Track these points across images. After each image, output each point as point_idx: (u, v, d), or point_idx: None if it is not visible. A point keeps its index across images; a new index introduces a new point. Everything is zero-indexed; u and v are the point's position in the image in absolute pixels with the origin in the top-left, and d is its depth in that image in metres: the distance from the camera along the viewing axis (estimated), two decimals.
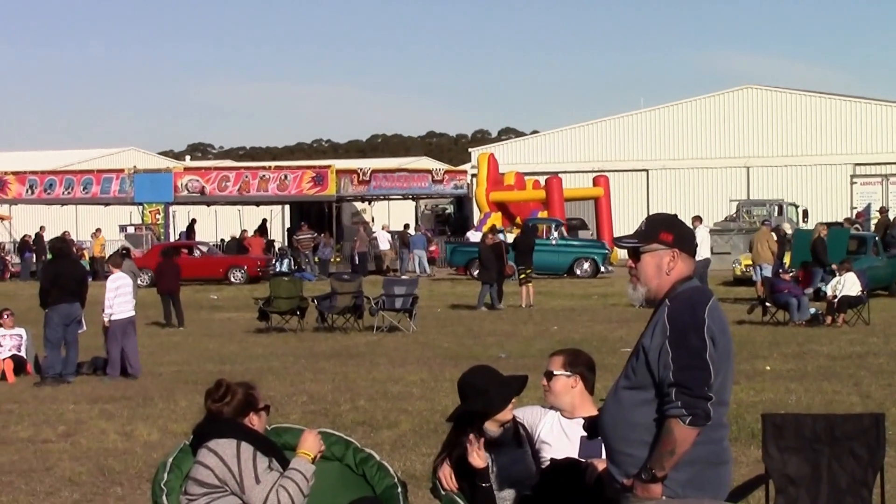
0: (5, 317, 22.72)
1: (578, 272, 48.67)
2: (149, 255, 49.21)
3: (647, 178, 67.32)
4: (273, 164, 68.21)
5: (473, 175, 62.11)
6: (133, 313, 22.30)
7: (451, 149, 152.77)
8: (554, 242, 49.30)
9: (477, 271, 40.84)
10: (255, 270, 49.15)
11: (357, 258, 54.39)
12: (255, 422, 7.38)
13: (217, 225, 70.26)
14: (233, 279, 49.75)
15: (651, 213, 6.69)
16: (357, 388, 19.60)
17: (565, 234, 50.77)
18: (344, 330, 29.77)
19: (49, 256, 48.73)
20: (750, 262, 38.70)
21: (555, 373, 7.49)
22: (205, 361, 23.98)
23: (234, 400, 7.35)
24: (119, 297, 21.98)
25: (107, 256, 54.33)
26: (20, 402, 18.73)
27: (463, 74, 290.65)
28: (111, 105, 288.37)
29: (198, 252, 52.08)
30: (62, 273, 21.23)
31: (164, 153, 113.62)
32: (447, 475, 7.29)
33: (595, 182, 59.37)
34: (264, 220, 63.95)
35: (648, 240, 6.13)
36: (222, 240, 62.19)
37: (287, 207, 65.02)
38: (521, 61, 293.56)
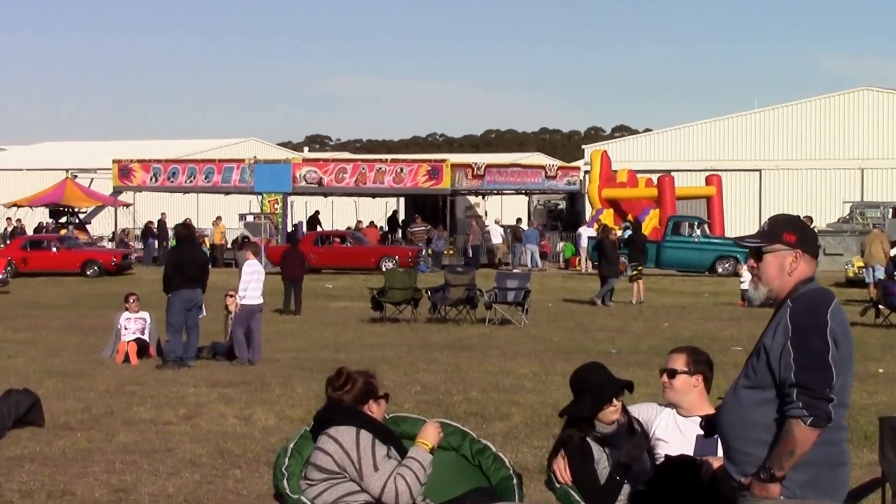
0: (131, 301, 23.06)
1: (720, 270, 48.24)
2: (303, 241, 50.23)
3: (759, 178, 66.60)
4: (389, 157, 68.40)
5: (586, 172, 61.85)
6: (261, 301, 22.53)
7: (565, 145, 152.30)
8: (696, 240, 49.04)
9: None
10: (407, 261, 49.40)
11: (470, 251, 54.41)
12: (375, 410, 7.39)
13: (333, 216, 70.63)
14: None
15: (774, 214, 6.61)
16: (469, 379, 19.61)
17: (708, 232, 50.47)
18: (456, 322, 29.79)
19: (172, 243, 49.54)
20: (862, 264, 38.16)
21: (677, 371, 7.42)
22: (320, 349, 24.14)
23: (354, 388, 7.38)
24: (252, 283, 22.24)
25: (228, 244, 55.16)
26: (143, 385, 18.98)
27: (577, 72, 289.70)
28: (233, 96, 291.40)
29: (349, 241, 52.47)
30: (185, 259, 21.51)
31: (283, 144, 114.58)
32: (562, 468, 7.26)
33: (708, 181, 58.89)
34: (395, 212, 64.24)
35: (771, 240, 6.06)
36: (338, 229, 62.55)
37: (402, 200, 65.20)
38: (635, 59, 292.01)
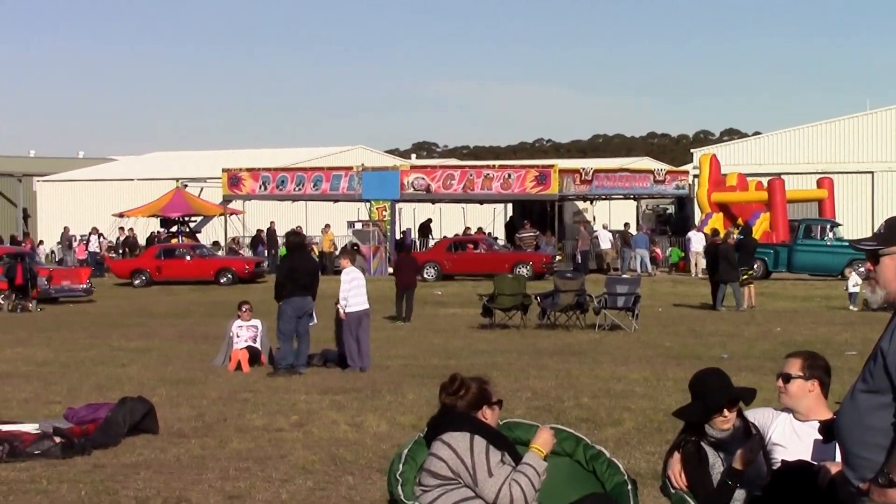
0: (243, 309, 23.33)
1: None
2: (436, 247, 50.94)
3: (872, 180, 65.68)
4: (497, 163, 68.45)
5: (695, 176, 61.40)
6: (367, 306, 22.66)
7: (673, 149, 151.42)
8: (829, 243, 48.54)
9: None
10: (541, 267, 49.33)
11: (579, 257, 54.31)
12: (488, 416, 7.41)
13: (441, 223, 70.77)
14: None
15: (890, 216, 6.52)
16: (580, 385, 19.56)
17: (841, 234, 49.94)
18: (566, 327, 29.75)
19: (282, 251, 49.98)
20: None
21: (793, 376, 7.36)
22: (430, 356, 24.21)
23: (468, 394, 7.40)
24: (353, 290, 22.38)
25: (336, 252, 55.56)
26: (255, 392, 19.17)
27: (685, 75, 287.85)
28: (341, 104, 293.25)
29: (483, 248, 52.65)
30: (297, 267, 21.70)
31: (391, 151, 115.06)
32: (676, 473, 7.23)
33: (819, 184, 58.23)
34: (511, 218, 64.29)
35: (888, 242, 5.98)
36: (445, 237, 62.63)
37: (510, 206, 65.18)
38: (744, 61, 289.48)
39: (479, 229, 61.95)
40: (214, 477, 12.75)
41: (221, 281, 49.78)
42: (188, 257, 52.11)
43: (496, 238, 61.85)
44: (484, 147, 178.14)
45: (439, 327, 30.90)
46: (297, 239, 23.01)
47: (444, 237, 58.44)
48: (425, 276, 50.44)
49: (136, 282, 50.82)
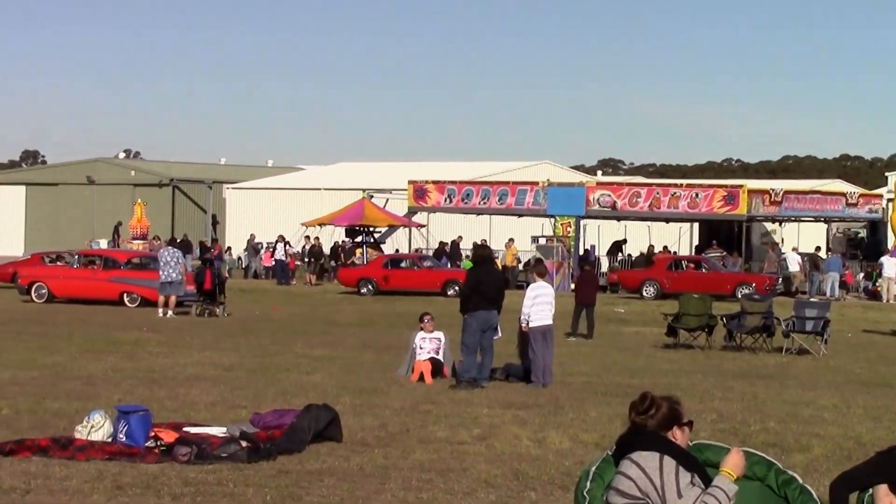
0: (426, 321, 23.46)
1: None
2: (657, 265, 50.94)
3: None
4: (684, 181, 67.87)
5: (889, 200, 60.10)
6: (550, 322, 22.61)
7: (867, 172, 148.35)
8: None
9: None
10: (764, 289, 48.92)
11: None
12: (678, 436, 7.32)
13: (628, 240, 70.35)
14: (737, 294, 48.92)
15: None
16: (767, 409, 19.28)
17: None
18: (752, 350, 29.36)
19: (465, 264, 50.23)
20: None
21: None
22: (614, 374, 24.09)
23: (658, 413, 7.31)
24: (536, 305, 22.35)
25: (520, 266, 55.62)
26: (437, 404, 19.24)
27: (880, 97, 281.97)
28: (528, 119, 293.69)
29: (705, 267, 52.39)
30: (483, 280, 21.74)
31: (576, 167, 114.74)
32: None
33: None
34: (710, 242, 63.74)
35: None
36: (630, 255, 62.27)
37: (696, 225, 64.57)
38: None
39: (665, 248, 61.44)
40: (397, 487, 12.83)
41: (448, 293, 49.57)
42: (416, 268, 52.40)
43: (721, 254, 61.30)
44: (670, 165, 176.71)
45: (622, 345, 30.74)
46: (484, 252, 23.09)
47: (651, 252, 57.94)
48: (644, 293, 50.46)
49: (363, 290, 51.49)
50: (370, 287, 51.70)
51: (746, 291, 44.35)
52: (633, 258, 60.38)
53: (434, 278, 51.50)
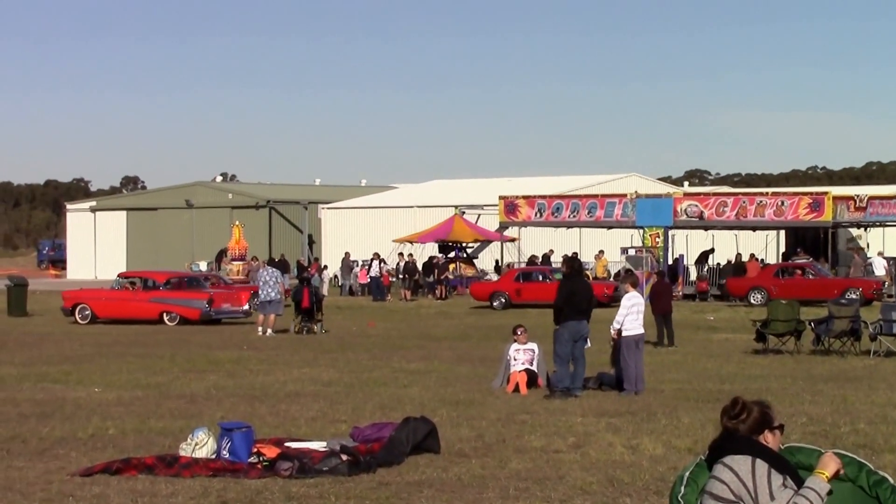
0: (519, 332, 23.44)
1: None
2: (764, 272, 51.06)
3: None
4: (770, 190, 67.30)
5: None
6: (642, 331, 22.53)
7: None
8: None
9: None
10: (871, 294, 48.42)
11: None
12: (770, 440, 7.26)
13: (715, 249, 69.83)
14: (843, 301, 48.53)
15: None
16: (856, 411, 19.07)
17: None
18: (840, 353, 29.07)
19: (557, 276, 50.15)
20: None
21: None
22: (704, 380, 23.92)
23: (749, 417, 7.26)
24: (630, 314, 22.31)
25: (610, 277, 55.42)
26: (532, 414, 19.20)
27: None
28: (615, 133, 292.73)
29: (811, 273, 51.88)
30: (575, 291, 21.72)
31: (663, 179, 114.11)
32: None
33: None
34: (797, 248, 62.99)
35: None
36: (718, 263, 61.80)
37: (782, 233, 63.99)
38: None
39: (752, 256, 60.84)
40: (495, 496, 12.81)
41: None
42: (548, 280, 52.20)
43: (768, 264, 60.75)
44: (756, 174, 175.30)
45: (712, 352, 30.56)
46: (575, 264, 23.04)
47: (739, 260, 57.45)
48: (751, 300, 50.26)
49: (496, 304, 51.67)
50: (503, 300, 51.89)
51: (853, 296, 43.82)
52: (721, 266, 59.91)
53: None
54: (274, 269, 40.68)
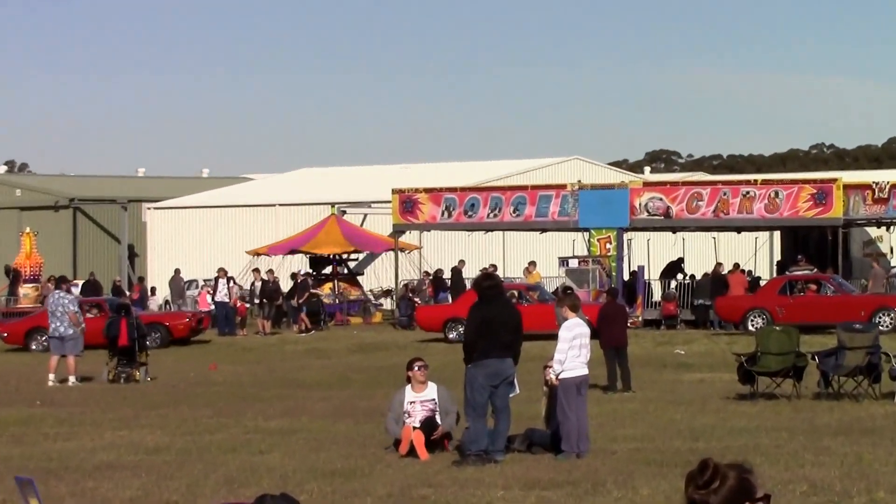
0: (416, 368, 22.97)
1: None
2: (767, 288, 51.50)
3: None
4: (760, 177, 67.97)
5: None
6: (585, 372, 22.48)
7: None
8: None
9: None
10: None
11: None
12: None
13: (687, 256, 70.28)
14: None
15: None
16: (874, 474, 19.30)
17: None
18: (854, 397, 29.40)
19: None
20: None
21: None
22: (671, 436, 24.07)
23: (723, 486, 7.26)
24: (572, 349, 22.20)
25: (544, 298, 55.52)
26: (436, 487, 19.11)
27: None
28: (549, 105, 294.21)
29: (830, 289, 51.87)
30: (491, 319, 21.55)
31: (616, 164, 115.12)
32: None
33: None
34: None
35: None
36: (692, 277, 62.27)
37: (776, 235, 64.58)
38: None
39: (736, 266, 61.33)
40: None
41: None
42: (524, 302, 50.47)
43: (759, 277, 61.18)
44: (741, 157, 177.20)
45: (682, 398, 30.78)
46: (489, 282, 22.94)
47: (718, 273, 57.88)
48: (750, 325, 50.25)
49: (452, 335, 50.53)
50: (462, 330, 51.78)
51: (889, 319, 44.11)
52: (697, 281, 60.33)
53: (543, 313, 50.25)
54: (63, 294, 39.21)
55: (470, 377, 21.70)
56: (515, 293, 51.63)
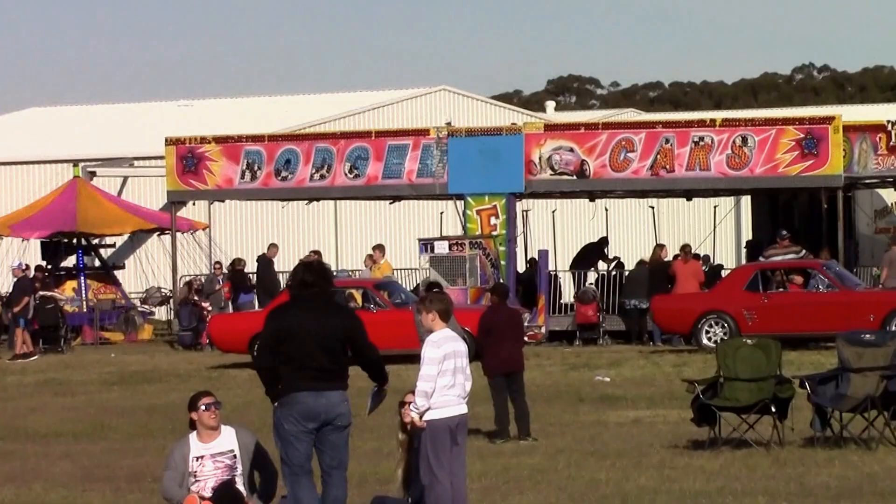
0: (202, 409, 22.86)
1: None
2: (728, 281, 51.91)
3: None
4: (719, 115, 68.38)
5: None
6: (463, 411, 22.33)
7: None
8: None
9: None
10: None
11: None
12: None
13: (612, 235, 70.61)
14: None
15: None
16: None
17: None
18: (864, 442, 29.76)
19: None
20: None
21: None
22: None
23: None
24: (444, 375, 22.08)
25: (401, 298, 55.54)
26: None
27: None
28: (407, 12, 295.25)
29: (821, 284, 51.86)
30: (298, 331, 21.03)
31: (504, 97, 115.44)
32: None
33: None
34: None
35: None
36: (619, 262, 62.57)
37: (745, 202, 65.12)
38: None
39: (683, 249, 61.55)
40: None
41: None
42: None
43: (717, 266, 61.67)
44: (691, 86, 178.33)
45: (608, 448, 30.99)
46: (310, 276, 22.77)
47: (658, 258, 58.20)
48: (703, 339, 50.39)
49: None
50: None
51: None
52: (629, 273, 60.58)
53: (397, 323, 49.80)
54: None
55: (276, 422, 21.58)
56: (354, 293, 51.68)
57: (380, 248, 60.33)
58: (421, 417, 22.05)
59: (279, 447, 21.56)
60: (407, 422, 22.73)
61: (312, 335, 21.44)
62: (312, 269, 22.62)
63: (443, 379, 22.03)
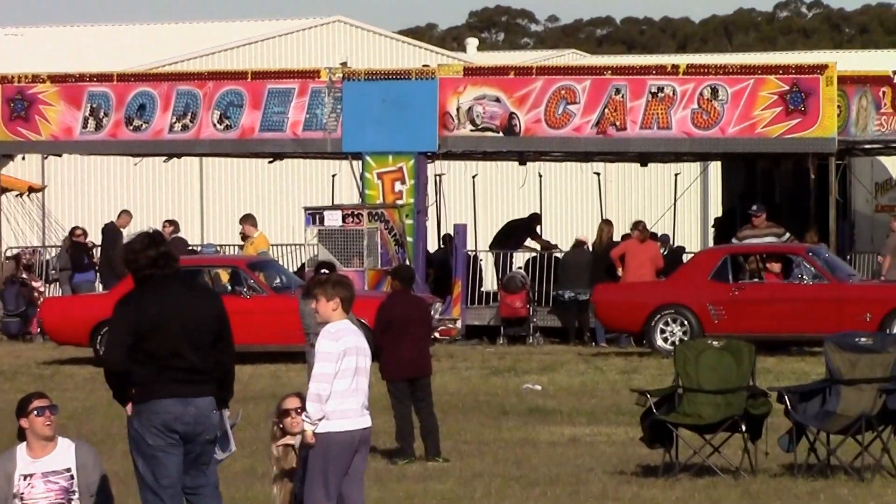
0: (33, 415, 22.95)
1: None
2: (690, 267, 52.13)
3: None
4: (683, 59, 68.74)
5: None
6: (368, 423, 22.40)
7: None
8: None
9: None
10: None
11: None
12: None
13: (547, 216, 71.02)
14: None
15: None
16: None
17: None
18: (855, 472, 29.87)
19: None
20: None
21: None
22: None
23: None
24: (343, 377, 22.13)
25: (284, 282, 55.81)
26: None
27: None
28: None
29: (806, 273, 52.08)
30: (157, 321, 20.83)
31: (410, 32, 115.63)
32: None
33: None
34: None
35: None
36: (553, 245, 62.87)
37: (714, 169, 65.52)
38: None
39: (637, 226, 61.79)
40: None
41: None
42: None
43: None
44: (648, 22, 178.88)
45: (538, 473, 31.19)
46: (158, 251, 22.77)
47: (605, 237, 58.51)
48: (657, 340, 50.38)
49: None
50: None
51: None
52: (564, 254, 60.80)
53: (276, 312, 49.90)
54: None
55: (133, 435, 21.61)
56: (220, 274, 51.84)
57: (249, 218, 60.00)
58: (312, 433, 22.03)
59: (140, 467, 21.47)
60: (296, 433, 22.73)
61: (180, 328, 21.29)
62: (162, 241, 22.09)
63: (341, 381, 21.74)
